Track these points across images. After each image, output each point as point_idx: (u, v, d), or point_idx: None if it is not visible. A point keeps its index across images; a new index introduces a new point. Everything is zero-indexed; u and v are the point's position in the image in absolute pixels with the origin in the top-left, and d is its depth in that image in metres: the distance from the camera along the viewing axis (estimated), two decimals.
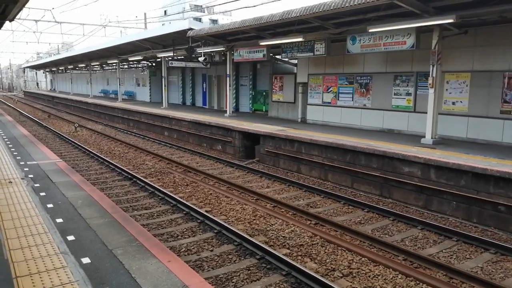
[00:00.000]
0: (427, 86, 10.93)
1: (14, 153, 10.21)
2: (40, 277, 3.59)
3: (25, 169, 8.42)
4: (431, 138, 10.63)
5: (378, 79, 13.62)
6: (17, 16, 9.69)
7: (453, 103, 11.56)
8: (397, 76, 12.99)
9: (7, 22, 10.57)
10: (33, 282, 3.50)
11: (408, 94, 12.72)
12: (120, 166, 11.56)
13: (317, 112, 15.99)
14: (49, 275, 3.62)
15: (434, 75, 10.32)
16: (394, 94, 13.12)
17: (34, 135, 16.68)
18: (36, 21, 28.20)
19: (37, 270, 3.72)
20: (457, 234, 7.06)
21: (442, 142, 10.74)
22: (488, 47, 10.74)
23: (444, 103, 11.68)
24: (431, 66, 10.38)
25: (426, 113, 10.77)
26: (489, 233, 7.43)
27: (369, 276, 5.52)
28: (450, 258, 6.27)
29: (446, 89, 11.63)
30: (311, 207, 8.74)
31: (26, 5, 8.18)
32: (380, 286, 5.28)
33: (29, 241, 4.37)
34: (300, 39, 13.46)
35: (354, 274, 5.58)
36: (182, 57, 21.72)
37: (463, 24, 10.32)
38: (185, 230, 7.11)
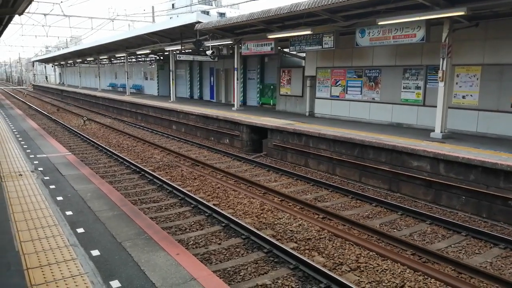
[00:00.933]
0: (436, 80, 10.82)
1: (24, 146, 10.31)
2: (51, 269, 3.63)
3: (34, 162, 8.50)
4: (441, 132, 10.54)
5: (387, 72, 13.50)
6: (26, 10, 9.74)
7: (463, 97, 11.43)
8: (407, 70, 12.86)
9: (16, 16, 10.65)
10: (43, 274, 3.54)
11: (418, 87, 12.59)
12: (128, 160, 11.62)
13: (325, 106, 15.91)
14: (59, 267, 3.67)
15: (444, 69, 10.20)
16: (403, 88, 13.00)
17: (44, 128, 16.82)
18: (45, 14, 28.35)
19: (48, 262, 3.77)
20: (466, 229, 7.01)
21: (451, 136, 10.64)
22: (499, 40, 10.58)
23: (454, 96, 11.55)
24: (441, 59, 10.26)
25: (436, 107, 10.67)
26: (499, 228, 7.37)
27: (377, 271, 5.50)
28: (459, 253, 6.23)
29: (456, 83, 11.49)
30: (318, 201, 8.73)
31: None
32: (388, 280, 5.27)
33: (39, 234, 4.42)
34: (309, 32, 13.36)
35: (362, 268, 5.57)
36: (190, 50, 21.70)
37: (474, 17, 10.16)
38: (193, 223, 7.14)
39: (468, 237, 6.80)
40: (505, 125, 10.60)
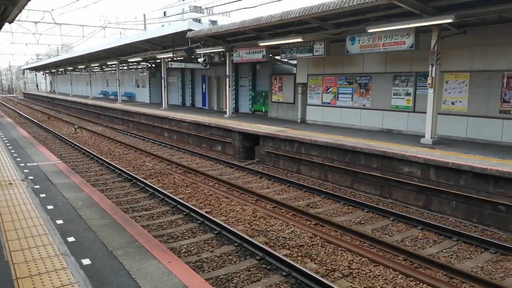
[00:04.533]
0: (426, 86, 10.95)
1: (14, 155, 10.21)
2: (41, 279, 3.59)
3: (25, 170, 8.41)
4: (431, 138, 10.64)
5: (377, 79, 13.64)
6: (17, 18, 9.70)
7: (453, 103, 11.57)
8: (397, 76, 13.00)
9: (6, 24, 10.59)
10: (33, 284, 3.50)
11: (408, 94, 12.73)
12: (120, 168, 11.56)
13: (317, 113, 16.00)
14: (49, 277, 3.63)
15: (433, 75, 10.33)
16: (394, 94, 13.14)
17: (34, 136, 16.66)
18: (36, 22, 28.24)
19: (38, 271, 3.73)
20: (457, 234, 7.07)
21: (441, 142, 10.75)
22: (487, 46, 10.76)
23: (444, 103, 11.69)
24: (430, 66, 10.39)
25: (426, 113, 10.78)
26: (489, 232, 7.43)
27: (369, 277, 5.52)
28: (450, 258, 6.28)
29: (446, 89, 11.65)
30: (311, 207, 8.74)
31: (26, 7, 8.19)
32: (380, 286, 5.28)
33: (30, 243, 4.37)
34: (300, 40, 13.47)
35: (354, 275, 5.58)
36: (182, 58, 21.74)
37: (462, 24, 10.33)
38: (185, 231, 7.11)
39: (459, 242, 6.85)
40: (494, 131, 10.74)
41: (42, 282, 3.53)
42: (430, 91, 10.47)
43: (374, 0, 9.20)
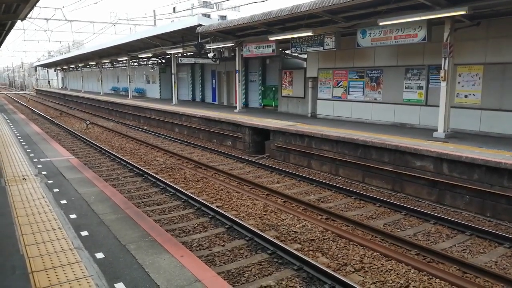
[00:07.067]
0: (439, 79, 10.81)
1: (28, 150, 10.34)
2: (55, 272, 3.64)
3: (38, 166, 8.52)
4: (444, 131, 10.52)
5: (389, 72, 13.49)
6: (28, 15, 9.80)
7: (466, 96, 11.40)
8: (409, 70, 12.85)
9: (18, 21, 10.70)
10: (48, 277, 3.55)
11: (420, 87, 12.58)
12: (131, 163, 11.65)
13: (327, 107, 15.90)
14: (63, 270, 3.68)
15: (446, 68, 10.19)
16: (406, 88, 12.99)
17: (47, 132, 16.87)
18: (47, 19, 28.49)
19: (52, 265, 3.78)
20: (471, 228, 6.99)
21: (454, 135, 10.62)
22: (501, 38, 10.56)
23: (457, 96, 11.53)
24: (443, 59, 10.24)
25: (438, 106, 10.64)
26: (503, 227, 7.34)
27: (381, 271, 5.49)
28: (464, 252, 6.21)
29: (459, 82, 11.48)
30: (322, 202, 8.72)
31: (37, 4, 8.26)
32: (392, 280, 5.25)
33: (44, 237, 4.43)
34: (310, 34, 13.38)
35: (366, 269, 5.55)
36: (192, 53, 21.75)
37: (475, 16, 10.15)
38: (196, 225, 7.15)
39: (472, 237, 6.77)
40: (508, 124, 10.56)
41: (56, 275, 3.58)
42: (443, 84, 10.33)
43: None
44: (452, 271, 5.53)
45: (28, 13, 9.35)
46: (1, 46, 19.28)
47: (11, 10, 9.42)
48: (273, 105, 20.19)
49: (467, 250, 6.30)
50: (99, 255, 4.23)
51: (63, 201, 6.10)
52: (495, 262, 5.89)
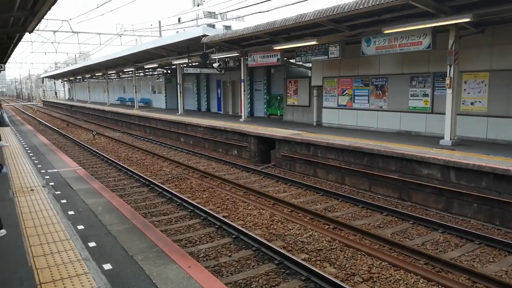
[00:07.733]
0: (444, 87, 10.78)
1: (35, 161, 10.42)
2: (63, 284, 3.64)
3: (46, 177, 8.58)
4: (450, 139, 10.46)
5: (394, 80, 13.49)
6: (36, 28, 9.93)
7: (472, 103, 11.36)
8: (414, 77, 12.84)
9: (26, 34, 10.85)
10: None
11: (425, 95, 12.55)
12: (137, 173, 11.69)
13: (333, 115, 15.90)
14: (72, 282, 3.68)
15: (451, 76, 10.17)
16: (411, 96, 12.97)
17: (54, 143, 17.00)
18: (54, 31, 28.84)
19: (60, 276, 3.78)
20: (479, 237, 6.91)
21: (461, 143, 10.56)
22: (507, 45, 10.53)
23: (463, 103, 11.48)
24: (448, 66, 10.23)
25: (444, 114, 10.61)
26: None
27: (390, 281, 5.44)
28: (473, 261, 6.14)
29: (464, 89, 11.44)
30: (328, 211, 8.68)
31: (44, 17, 8.38)
32: None
33: (52, 248, 4.45)
34: (314, 43, 13.44)
35: (374, 279, 5.51)
36: (197, 63, 21.89)
37: (480, 23, 10.14)
38: (203, 235, 7.14)
39: (481, 246, 6.70)
40: None
41: (64, 286, 3.58)
42: (449, 91, 10.31)
43: (390, 1, 9.12)
44: (461, 280, 5.46)
45: (36, 25, 9.48)
46: (9, 58, 19.51)
47: (20, 23, 9.57)
48: (279, 114, 20.22)
49: (476, 259, 6.23)
50: (107, 266, 4.24)
51: (71, 212, 6.13)
52: (505, 271, 5.81)
